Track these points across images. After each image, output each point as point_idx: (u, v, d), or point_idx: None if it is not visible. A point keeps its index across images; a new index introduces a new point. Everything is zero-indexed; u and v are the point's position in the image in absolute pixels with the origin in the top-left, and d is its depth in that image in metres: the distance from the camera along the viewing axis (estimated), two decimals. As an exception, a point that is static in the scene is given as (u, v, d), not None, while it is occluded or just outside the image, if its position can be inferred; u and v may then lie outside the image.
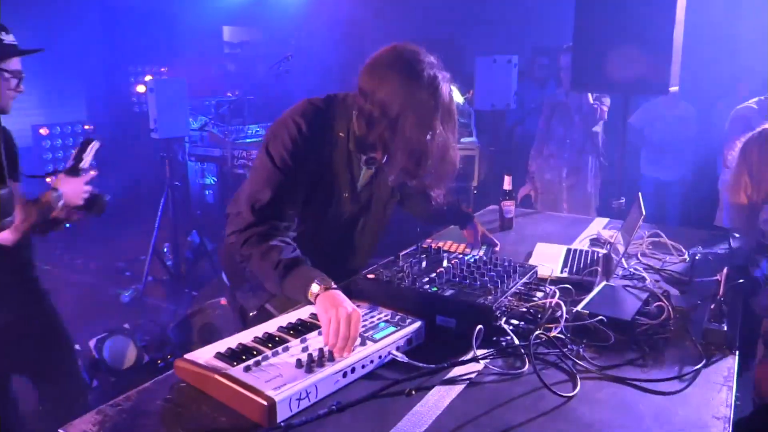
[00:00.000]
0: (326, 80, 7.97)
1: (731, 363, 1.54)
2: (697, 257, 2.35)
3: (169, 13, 7.79)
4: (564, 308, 1.65)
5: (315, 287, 1.59)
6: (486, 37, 7.46)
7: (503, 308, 1.69)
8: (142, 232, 5.37)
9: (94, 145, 2.37)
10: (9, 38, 2.17)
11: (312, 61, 7.99)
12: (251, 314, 2.03)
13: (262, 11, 8.72)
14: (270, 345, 1.47)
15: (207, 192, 6.90)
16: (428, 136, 1.71)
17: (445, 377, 1.45)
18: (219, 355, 1.43)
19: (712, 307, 1.72)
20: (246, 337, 1.54)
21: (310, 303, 1.62)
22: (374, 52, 1.81)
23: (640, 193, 2.27)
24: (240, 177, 5.66)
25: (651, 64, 3.01)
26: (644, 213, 1.99)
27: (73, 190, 2.26)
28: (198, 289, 4.88)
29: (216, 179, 6.71)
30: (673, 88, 3.09)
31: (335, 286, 1.60)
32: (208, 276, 5.18)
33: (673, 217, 5.64)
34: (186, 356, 1.44)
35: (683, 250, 2.39)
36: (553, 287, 1.81)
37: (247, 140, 6.12)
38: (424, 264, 1.94)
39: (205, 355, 1.44)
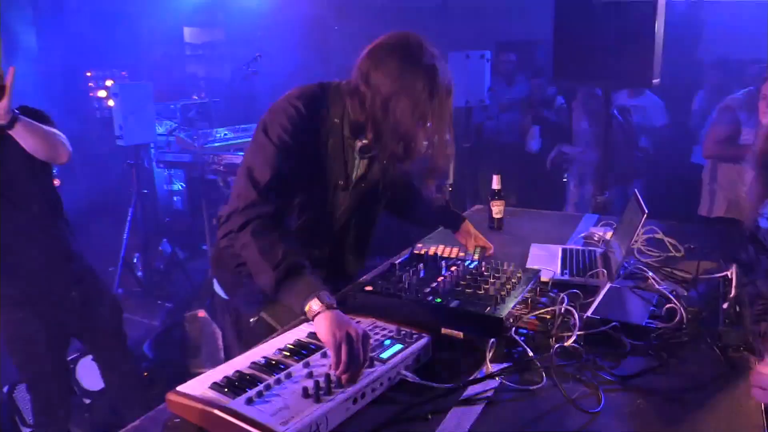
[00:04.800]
0: (291, 80, 7.78)
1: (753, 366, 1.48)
2: (692, 248, 2.31)
3: (125, 15, 7.52)
4: (577, 316, 1.58)
5: (315, 304, 1.47)
6: (452, 34, 7.39)
7: (512, 317, 1.60)
8: (110, 243, 5.16)
9: None
10: None
11: (276, 62, 7.82)
12: (252, 320, 1.94)
13: (223, 11, 8.50)
14: (271, 372, 1.36)
15: (175, 198, 6.70)
16: (419, 124, 1.69)
17: (462, 397, 1.36)
18: (215, 386, 1.31)
19: (725, 307, 1.66)
20: (242, 363, 1.42)
21: (304, 314, 1.51)
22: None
23: (636, 191, 2.21)
24: (211, 182, 5.48)
25: (633, 56, 2.97)
26: (647, 211, 1.93)
27: None
28: (172, 300, 4.71)
29: (184, 185, 6.52)
30: (656, 81, 3.06)
31: (336, 305, 1.48)
32: (181, 287, 5.00)
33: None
34: (179, 388, 1.32)
35: (679, 246, 2.35)
36: (561, 293, 1.73)
37: (216, 144, 5.93)
38: (422, 273, 1.85)
39: (199, 386, 1.32)
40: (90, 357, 3.14)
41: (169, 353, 3.63)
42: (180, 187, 6.60)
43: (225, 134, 6.15)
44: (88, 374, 3.20)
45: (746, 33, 5.71)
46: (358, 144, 1.83)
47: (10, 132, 2.19)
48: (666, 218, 2.65)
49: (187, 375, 3.47)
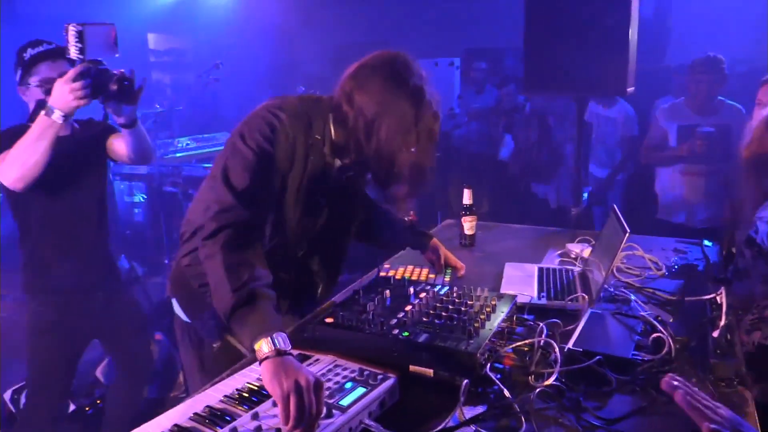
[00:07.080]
0: (256, 88, 7.59)
1: (749, 403, 1.35)
2: (675, 269, 2.20)
3: (84, 19, 7.25)
4: (557, 349, 1.44)
5: (266, 346, 1.29)
6: (421, 40, 7.26)
7: (487, 352, 1.46)
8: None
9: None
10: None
11: (241, 69, 7.64)
12: (215, 346, 1.78)
13: (188, 17, 8.27)
14: (213, 425, 1.19)
15: (136, 210, 6.45)
16: (404, 148, 1.62)
17: (432, 450, 1.20)
18: (149, 445, 1.13)
19: (715, 335, 1.54)
20: (182, 414, 1.24)
21: (252, 351, 1.34)
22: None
23: (615, 206, 2.09)
24: (170, 195, 5.26)
25: (607, 65, 2.86)
26: (628, 231, 1.80)
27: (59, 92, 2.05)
28: (129, 320, 4.47)
29: (145, 197, 6.27)
30: (630, 89, 2.96)
31: (290, 350, 1.31)
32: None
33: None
34: (105, 448, 1.13)
35: (659, 263, 2.24)
36: (540, 322, 1.59)
37: (177, 155, 5.71)
38: (388, 301, 1.69)
39: (131, 444, 1.15)
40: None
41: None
42: (141, 198, 6.35)
43: (187, 144, 5.93)
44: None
45: (714, 36, 5.72)
46: (338, 163, 1.73)
47: (127, 131, 2.28)
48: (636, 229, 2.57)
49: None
